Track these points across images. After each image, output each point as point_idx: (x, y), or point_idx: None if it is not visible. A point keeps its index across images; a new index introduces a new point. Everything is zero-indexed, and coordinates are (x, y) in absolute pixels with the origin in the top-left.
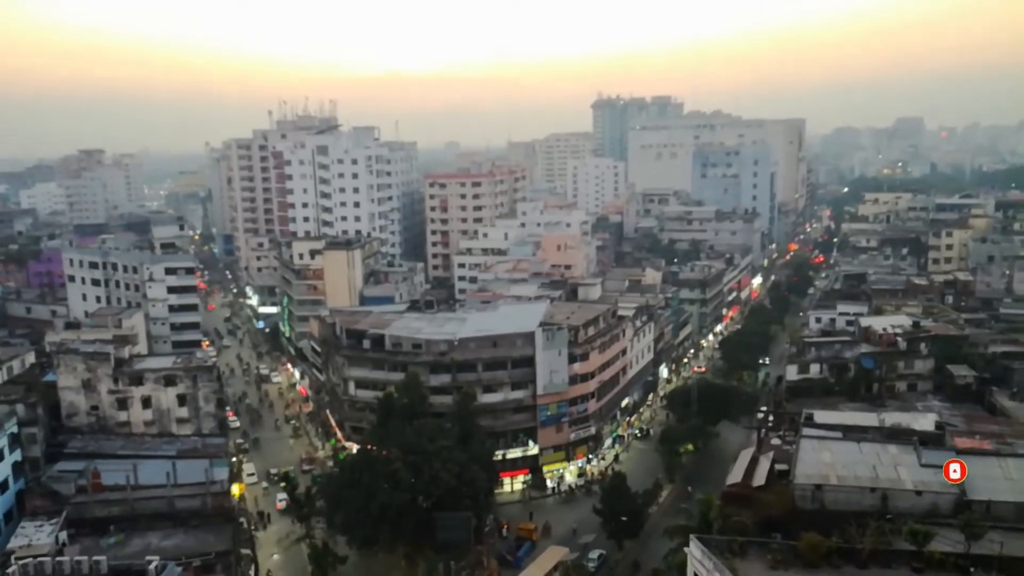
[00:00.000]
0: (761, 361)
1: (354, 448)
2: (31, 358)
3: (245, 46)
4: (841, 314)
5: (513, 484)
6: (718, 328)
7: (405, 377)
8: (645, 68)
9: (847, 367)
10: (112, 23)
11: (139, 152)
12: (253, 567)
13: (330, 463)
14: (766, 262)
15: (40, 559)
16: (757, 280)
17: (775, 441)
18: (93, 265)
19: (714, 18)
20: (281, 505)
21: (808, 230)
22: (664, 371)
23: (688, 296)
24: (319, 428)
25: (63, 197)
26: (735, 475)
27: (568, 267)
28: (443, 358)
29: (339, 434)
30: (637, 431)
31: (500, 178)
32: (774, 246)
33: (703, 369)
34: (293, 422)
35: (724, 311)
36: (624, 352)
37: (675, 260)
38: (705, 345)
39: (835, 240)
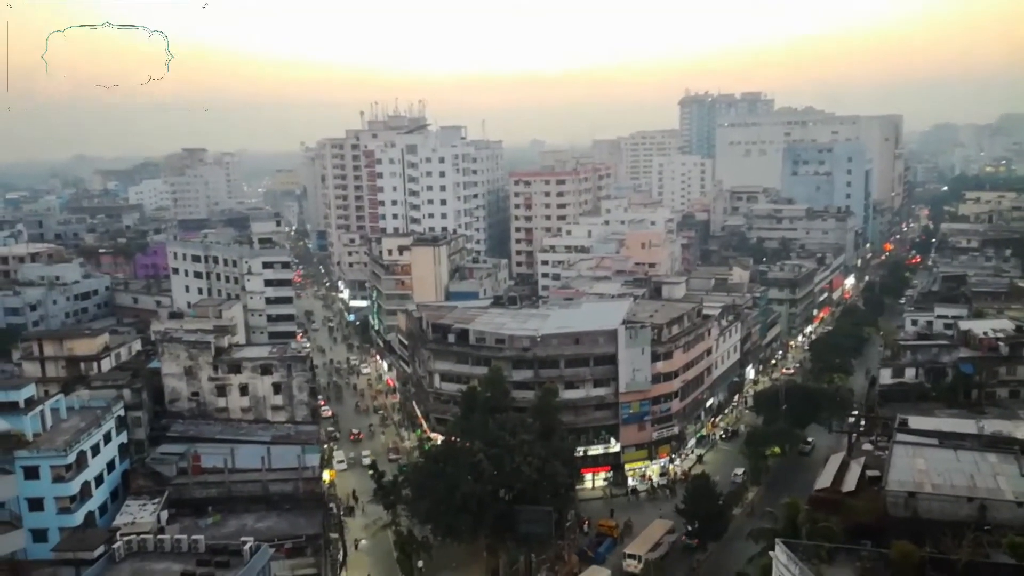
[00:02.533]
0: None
1: (438, 439)
2: (137, 346)
3: (338, 56)
4: (939, 317)
5: (594, 481)
6: (808, 329)
7: (488, 371)
8: (734, 65)
9: (944, 372)
10: (211, 36)
11: (238, 151)
12: (341, 551)
13: (415, 453)
14: (860, 262)
15: (143, 536)
16: (850, 280)
17: (866, 446)
18: (195, 258)
19: (807, 14)
20: (366, 461)
21: (905, 230)
22: (751, 372)
23: (777, 296)
24: (406, 419)
25: (168, 193)
26: (824, 480)
27: (652, 265)
28: (526, 353)
29: (424, 425)
30: (722, 432)
31: (584, 176)
32: (869, 246)
33: (792, 371)
34: (381, 412)
35: (815, 312)
36: (709, 352)
37: (764, 259)
38: (794, 346)
39: (933, 240)
